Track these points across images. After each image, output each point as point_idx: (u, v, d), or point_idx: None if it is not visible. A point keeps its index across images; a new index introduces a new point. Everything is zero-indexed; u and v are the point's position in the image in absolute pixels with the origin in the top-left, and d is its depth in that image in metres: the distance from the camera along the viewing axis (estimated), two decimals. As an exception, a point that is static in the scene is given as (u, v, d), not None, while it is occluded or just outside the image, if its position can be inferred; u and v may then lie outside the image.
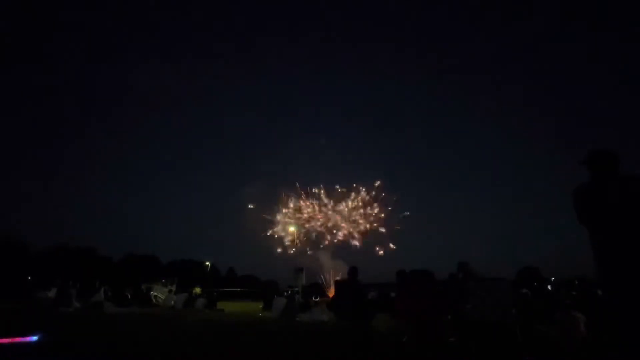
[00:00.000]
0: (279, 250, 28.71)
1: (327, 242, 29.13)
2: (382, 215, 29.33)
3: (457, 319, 5.91)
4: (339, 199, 29.82)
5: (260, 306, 16.57)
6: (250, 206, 29.96)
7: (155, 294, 19.95)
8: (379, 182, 30.25)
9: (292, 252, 29.01)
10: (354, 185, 30.27)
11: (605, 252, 2.56)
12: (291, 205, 29.53)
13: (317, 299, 18.65)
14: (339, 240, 29.16)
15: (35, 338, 4.96)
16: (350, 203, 29.21)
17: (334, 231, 29.12)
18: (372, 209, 29.30)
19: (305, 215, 29.57)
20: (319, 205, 29.54)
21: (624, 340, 2.46)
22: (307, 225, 29.54)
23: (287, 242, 29.13)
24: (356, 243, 28.83)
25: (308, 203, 29.71)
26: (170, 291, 20.74)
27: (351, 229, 29.07)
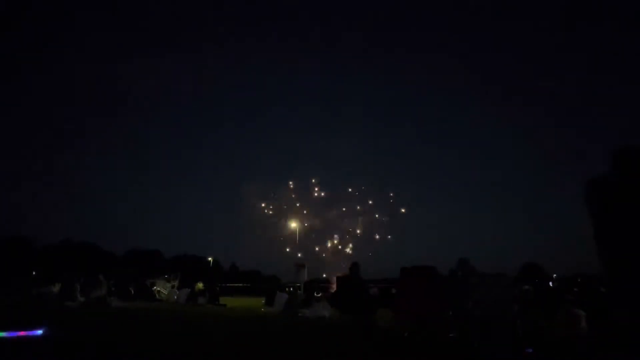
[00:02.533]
0: (288, 249, 28.83)
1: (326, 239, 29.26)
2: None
3: (458, 315, 5.94)
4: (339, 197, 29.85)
5: (262, 301, 16.66)
6: (256, 204, 29.93)
7: (158, 289, 20.09)
8: (363, 187, 30.03)
9: (293, 248, 29.13)
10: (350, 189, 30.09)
11: (615, 249, 2.55)
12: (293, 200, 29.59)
13: (319, 295, 18.71)
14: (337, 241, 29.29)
15: (40, 332, 5.03)
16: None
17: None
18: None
19: (305, 212, 29.65)
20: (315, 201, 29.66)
21: (626, 335, 2.47)
22: (307, 224, 29.63)
23: (287, 235, 29.26)
24: (348, 249, 28.98)
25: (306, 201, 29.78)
26: (173, 286, 20.88)
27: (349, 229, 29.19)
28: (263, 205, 29.74)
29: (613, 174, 2.69)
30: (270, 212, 29.49)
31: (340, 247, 29.22)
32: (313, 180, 29.62)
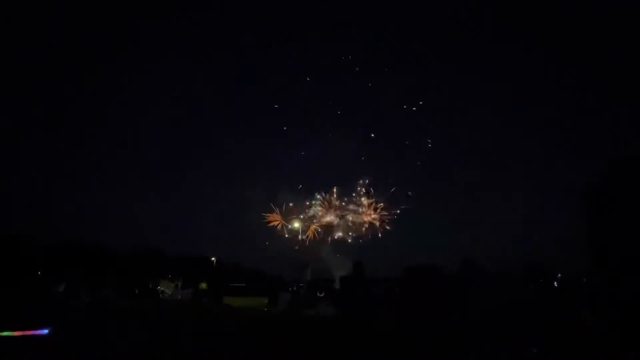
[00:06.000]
0: (296, 247, 28.86)
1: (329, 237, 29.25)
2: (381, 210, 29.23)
3: (462, 315, 5.92)
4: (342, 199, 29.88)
5: (265, 301, 16.70)
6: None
7: (162, 289, 20.21)
8: (367, 180, 30.01)
9: (297, 247, 29.18)
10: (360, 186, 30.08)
11: (608, 251, 2.56)
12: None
13: (321, 294, 18.71)
14: (340, 237, 29.27)
15: (46, 331, 5.06)
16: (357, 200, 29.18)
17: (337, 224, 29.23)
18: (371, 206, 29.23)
19: (310, 212, 29.72)
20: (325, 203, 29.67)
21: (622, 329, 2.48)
22: (314, 222, 29.68)
23: (291, 235, 29.30)
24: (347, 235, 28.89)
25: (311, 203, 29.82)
26: (176, 286, 20.99)
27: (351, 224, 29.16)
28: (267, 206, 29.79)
29: (609, 181, 2.72)
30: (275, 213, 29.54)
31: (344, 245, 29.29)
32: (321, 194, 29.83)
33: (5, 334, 4.67)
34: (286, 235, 29.12)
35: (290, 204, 29.29)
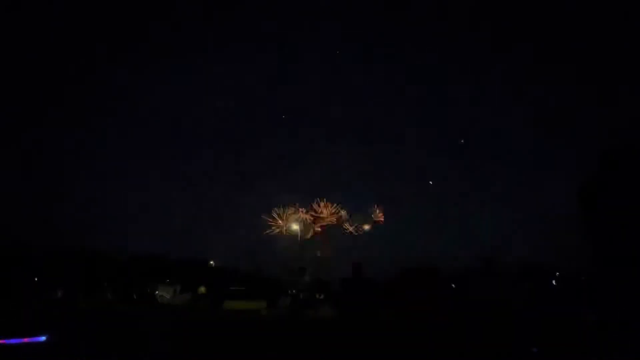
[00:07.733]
0: (284, 246, 28.83)
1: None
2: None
3: (463, 313, 5.92)
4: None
5: (264, 305, 16.64)
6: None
7: (161, 293, 20.08)
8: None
9: (296, 248, 29.13)
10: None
11: (604, 245, 2.58)
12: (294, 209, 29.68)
13: (321, 296, 18.65)
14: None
15: (43, 338, 5.00)
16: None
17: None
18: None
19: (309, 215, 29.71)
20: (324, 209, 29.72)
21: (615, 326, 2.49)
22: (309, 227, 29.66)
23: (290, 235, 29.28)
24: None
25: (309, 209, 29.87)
26: (175, 290, 20.88)
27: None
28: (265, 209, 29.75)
29: (602, 173, 2.73)
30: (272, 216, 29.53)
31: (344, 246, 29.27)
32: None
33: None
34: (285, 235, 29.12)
35: (292, 204, 29.37)
